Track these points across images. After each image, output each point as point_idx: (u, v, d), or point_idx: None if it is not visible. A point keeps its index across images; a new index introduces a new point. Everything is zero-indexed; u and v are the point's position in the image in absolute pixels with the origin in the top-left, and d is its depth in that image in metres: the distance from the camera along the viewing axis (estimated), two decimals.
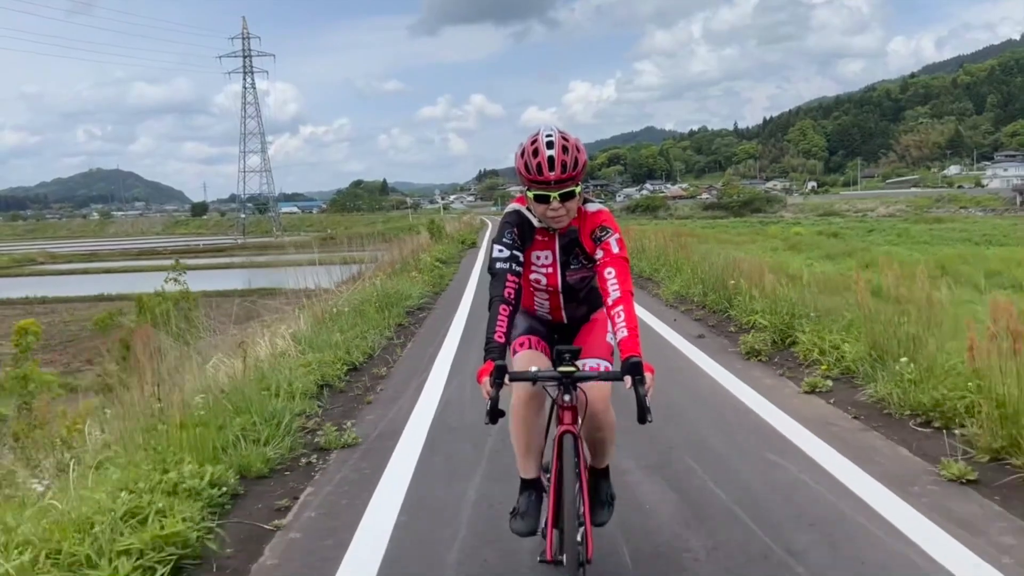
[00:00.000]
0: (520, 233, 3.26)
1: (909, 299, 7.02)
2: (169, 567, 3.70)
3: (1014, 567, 3.54)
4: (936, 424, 5.48)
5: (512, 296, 3.11)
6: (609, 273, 3.16)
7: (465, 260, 25.96)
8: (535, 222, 3.28)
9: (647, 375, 2.94)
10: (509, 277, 3.14)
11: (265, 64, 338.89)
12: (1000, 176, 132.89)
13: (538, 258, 3.37)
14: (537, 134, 3.11)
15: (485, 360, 3.01)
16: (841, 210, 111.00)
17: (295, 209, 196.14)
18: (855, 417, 5.95)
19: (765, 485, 4.68)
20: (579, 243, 3.31)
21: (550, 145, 3.05)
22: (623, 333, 3.04)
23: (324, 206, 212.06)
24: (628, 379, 2.93)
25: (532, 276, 3.41)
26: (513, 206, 3.38)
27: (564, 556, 3.02)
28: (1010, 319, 4.73)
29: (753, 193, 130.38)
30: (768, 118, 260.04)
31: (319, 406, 6.90)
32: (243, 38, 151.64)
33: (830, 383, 6.82)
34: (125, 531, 3.86)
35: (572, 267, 3.38)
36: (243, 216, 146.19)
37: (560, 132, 3.09)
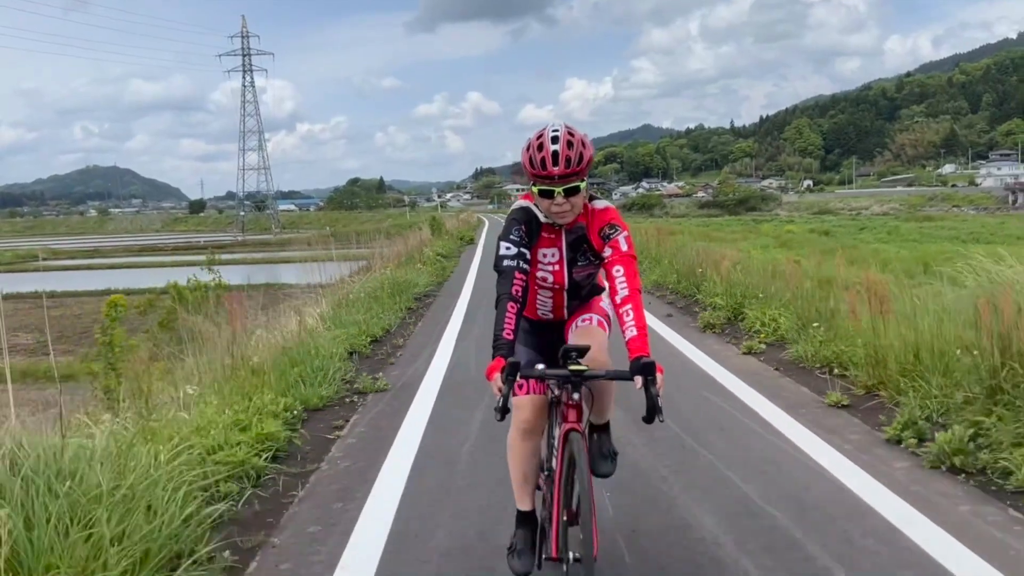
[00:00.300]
0: (528, 230, 3.26)
1: (831, 280, 8.68)
2: (270, 453, 5.36)
3: (851, 449, 5.19)
4: (836, 371, 7.13)
5: (519, 294, 3.12)
6: (618, 271, 3.19)
7: (464, 255, 27.66)
8: (542, 218, 3.30)
9: (658, 375, 2.96)
10: (516, 275, 3.14)
11: (264, 63, 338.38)
12: (994, 175, 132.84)
13: (545, 256, 3.38)
14: (544, 130, 3.14)
15: (494, 357, 3.02)
16: (836, 208, 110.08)
17: (292, 207, 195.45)
18: (776, 369, 7.64)
19: (694, 410, 6.35)
20: (587, 240, 3.33)
21: (555, 140, 3.07)
22: (632, 332, 3.07)
23: (321, 204, 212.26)
24: (639, 379, 2.95)
25: (539, 274, 3.41)
26: (520, 203, 3.38)
27: (572, 554, 3.06)
28: (878, 287, 6.37)
29: (748, 191, 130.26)
30: (764, 116, 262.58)
31: (352, 365, 8.53)
32: (243, 37, 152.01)
33: (764, 347, 8.50)
34: (235, 432, 5.50)
35: (579, 264, 3.39)
36: (242, 214, 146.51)
37: (567, 128, 3.12)
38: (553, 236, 3.34)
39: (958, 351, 5.62)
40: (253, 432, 5.50)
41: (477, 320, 11.54)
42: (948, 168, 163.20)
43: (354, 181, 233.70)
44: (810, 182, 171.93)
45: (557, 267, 3.39)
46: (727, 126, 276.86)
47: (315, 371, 7.54)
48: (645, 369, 2.93)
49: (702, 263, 13.03)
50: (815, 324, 7.88)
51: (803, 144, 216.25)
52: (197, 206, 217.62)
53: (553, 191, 3.11)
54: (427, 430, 6.09)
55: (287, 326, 9.84)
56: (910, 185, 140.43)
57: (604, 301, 3.56)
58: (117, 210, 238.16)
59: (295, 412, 6.36)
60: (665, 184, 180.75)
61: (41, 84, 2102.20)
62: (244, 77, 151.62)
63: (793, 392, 6.74)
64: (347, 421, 6.48)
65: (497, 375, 2.97)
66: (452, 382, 7.74)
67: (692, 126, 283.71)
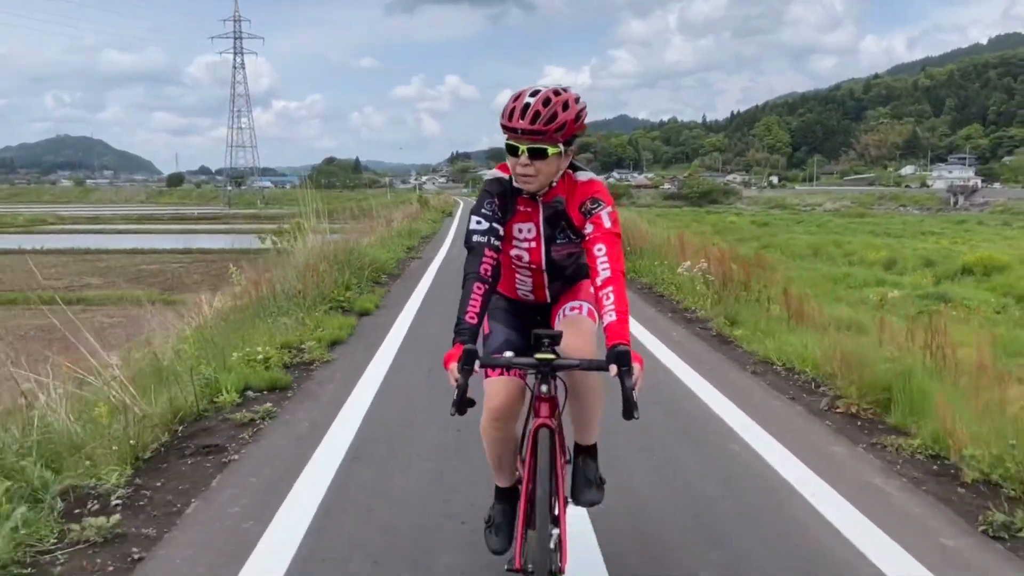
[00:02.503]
0: (501, 203, 2.95)
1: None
2: (397, 258, 16.67)
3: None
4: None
5: (489, 274, 2.82)
6: (599, 250, 2.82)
7: (446, 221, 39.54)
8: (516, 184, 2.94)
9: (635, 365, 2.59)
10: (487, 252, 2.84)
11: (255, 46, 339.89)
12: (945, 177, 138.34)
13: (520, 231, 3.05)
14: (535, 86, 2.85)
15: (454, 343, 2.67)
16: (792, 204, 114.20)
17: (268, 184, 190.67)
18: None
19: None
20: (566, 215, 2.97)
21: (534, 94, 2.77)
22: (611, 317, 2.70)
23: (297, 182, 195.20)
24: (614, 368, 2.58)
25: (513, 252, 3.08)
26: (494, 172, 3.06)
27: (529, 566, 2.72)
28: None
29: (711, 185, 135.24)
30: (735, 112, 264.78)
31: (404, 253, 19.43)
32: (235, 21, 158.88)
33: None
34: (386, 247, 16.35)
35: (558, 242, 3.04)
36: (229, 188, 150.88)
37: (557, 89, 2.82)
38: (529, 210, 3.01)
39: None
40: (393, 254, 16.75)
41: (456, 245, 22.50)
42: (908, 169, 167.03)
43: (330, 160, 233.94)
44: (775, 178, 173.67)
45: (533, 244, 3.05)
46: (700, 120, 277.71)
47: (391, 251, 18.40)
48: (620, 358, 2.57)
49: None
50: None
51: (772, 141, 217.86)
52: (175, 179, 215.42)
53: (517, 147, 2.81)
54: (440, 265, 17.32)
55: (365, 239, 20.62)
56: (870, 184, 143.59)
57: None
58: (91, 181, 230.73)
59: (394, 260, 17.26)
60: (635, 175, 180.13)
61: (11, 50, 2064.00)
62: (235, 59, 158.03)
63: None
64: (412, 261, 17.91)
65: (454, 364, 2.62)
66: (447, 259, 18.88)
67: (666, 118, 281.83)
